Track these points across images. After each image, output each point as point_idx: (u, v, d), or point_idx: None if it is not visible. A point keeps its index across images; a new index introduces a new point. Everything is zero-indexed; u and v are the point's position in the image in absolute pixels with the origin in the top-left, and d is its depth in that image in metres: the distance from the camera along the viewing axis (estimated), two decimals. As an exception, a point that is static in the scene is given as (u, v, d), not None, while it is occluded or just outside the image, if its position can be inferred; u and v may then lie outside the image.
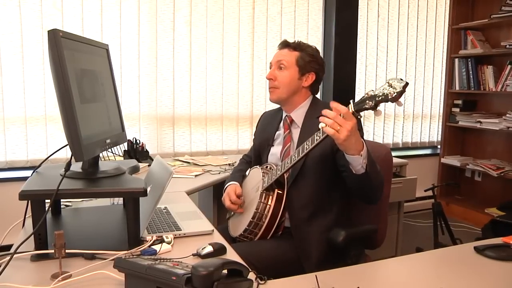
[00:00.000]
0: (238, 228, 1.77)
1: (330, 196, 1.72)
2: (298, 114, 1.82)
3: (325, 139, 1.45)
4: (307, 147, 1.53)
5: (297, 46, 1.81)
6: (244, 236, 1.73)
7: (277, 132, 1.90)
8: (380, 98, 1.34)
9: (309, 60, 1.79)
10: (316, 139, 1.48)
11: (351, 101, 1.40)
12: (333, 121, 1.35)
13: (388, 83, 1.34)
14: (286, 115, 1.87)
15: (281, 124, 1.90)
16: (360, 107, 1.38)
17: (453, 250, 1.45)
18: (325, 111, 1.40)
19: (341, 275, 1.20)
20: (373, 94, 1.35)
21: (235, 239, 1.79)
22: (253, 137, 2.10)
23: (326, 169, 1.68)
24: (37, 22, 2.95)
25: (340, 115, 1.36)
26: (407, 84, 1.32)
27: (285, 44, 1.84)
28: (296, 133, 1.81)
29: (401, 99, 1.34)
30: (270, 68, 1.86)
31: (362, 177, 1.48)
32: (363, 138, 1.53)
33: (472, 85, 4.14)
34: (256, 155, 1.98)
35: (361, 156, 1.44)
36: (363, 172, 1.47)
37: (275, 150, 1.87)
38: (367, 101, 1.36)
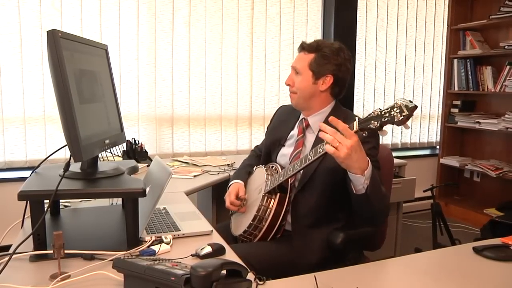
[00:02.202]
0: (239, 228, 1.76)
1: (335, 208, 1.69)
2: (316, 120, 1.74)
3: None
4: (310, 158, 1.49)
5: (313, 48, 1.71)
6: (244, 237, 1.73)
7: (291, 133, 1.84)
8: (386, 119, 1.28)
9: (324, 62, 1.68)
10: (319, 152, 1.44)
11: (356, 117, 1.37)
12: (333, 138, 1.32)
13: (397, 104, 1.27)
14: (303, 118, 1.80)
15: (296, 125, 1.84)
16: (364, 126, 1.33)
17: (452, 251, 1.45)
18: (323, 126, 1.36)
19: (340, 275, 1.20)
20: (379, 113, 1.30)
21: (235, 237, 1.79)
22: (267, 130, 2.02)
23: (336, 182, 1.60)
24: (36, 23, 2.95)
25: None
26: (415, 107, 1.26)
27: (301, 47, 1.75)
28: (310, 138, 1.76)
29: (408, 122, 1.29)
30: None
31: (362, 197, 1.45)
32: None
33: (471, 86, 4.15)
34: (266, 152, 1.93)
35: (363, 176, 1.40)
36: (363, 193, 1.44)
37: (286, 151, 1.82)
38: (373, 121, 1.31)
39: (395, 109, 1.27)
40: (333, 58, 1.68)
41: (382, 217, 1.60)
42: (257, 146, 2.14)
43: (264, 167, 1.81)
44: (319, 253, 1.64)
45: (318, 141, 1.66)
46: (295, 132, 1.82)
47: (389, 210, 1.58)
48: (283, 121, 1.90)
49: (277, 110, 2.02)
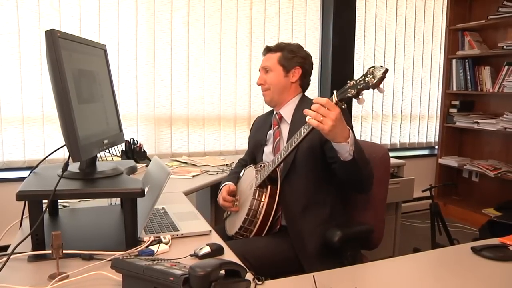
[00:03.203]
0: (234, 227, 1.79)
1: (323, 189, 1.75)
2: (287, 110, 1.88)
3: (312, 131, 1.49)
4: (296, 141, 1.57)
5: (278, 48, 1.89)
6: (240, 234, 1.75)
7: (269, 132, 1.95)
8: (361, 85, 1.38)
9: (291, 56, 1.86)
10: (304, 132, 1.52)
11: (334, 91, 1.45)
12: (316, 112, 1.39)
13: (369, 70, 1.38)
14: (276, 113, 1.93)
15: (271, 122, 1.95)
16: (343, 96, 1.41)
17: (451, 251, 1.45)
18: (306, 110, 1.45)
19: (339, 275, 1.20)
20: (354, 82, 1.40)
21: (231, 238, 1.80)
22: (248, 141, 2.15)
23: (317, 162, 1.72)
24: (35, 22, 2.95)
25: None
26: (387, 70, 1.35)
27: (267, 50, 1.92)
28: (285, 128, 1.86)
29: (383, 86, 1.38)
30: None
31: (351, 163, 1.51)
32: (351, 128, 1.56)
33: (470, 86, 4.15)
34: (251, 157, 2.03)
35: (348, 143, 1.47)
36: (351, 158, 1.50)
37: (268, 149, 1.92)
38: (349, 90, 1.40)
39: (368, 75, 1.38)
40: (298, 52, 1.88)
41: (370, 181, 1.67)
42: (241, 158, 2.22)
43: (253, 166, 1.89)
44: (315, 239, 1.67)
45: (293, 127, 1.80)
46: (272, 129, 1.93)
47: (373, 175, 1.67)
48: (260, 127, 2.04)
49: (254, 121, 2.17)
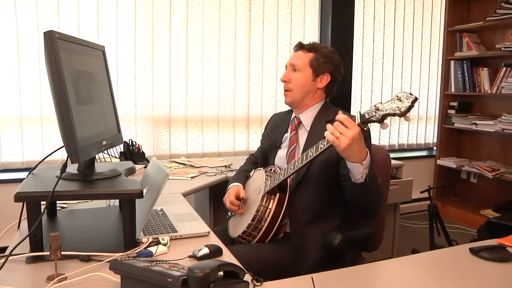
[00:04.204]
0: (238, 229, 1.76)
1: (331, 204, 1.70)
2: (307, 117, 1.80)
3: (329, 148, 1.44)
4: (311, 155, 1.51)
5: (311, 48, 1.78)
6: (243, 238, 1.72)
7: (285, 135, 1.87)
8: (387, 112, 1.32)
9: (324, 61, 1.76)
10: (321, 147, 1.47)
11: (358, 111, 1.40)
12: (334, 128, 1.35)
13: (397, 97, 1.31)
14: (295, 116, 1.84)
15: (289, 125, 1.87)
16: (366, 119, 1.36)
17: (449, 252, 1.46)
18: (328, 125, 1.40)
19: (337, 276, 1.20)
20: (381, 107, 1.34)
21: (233, 240, 1.78)
22: (261, 137, 2.07)
23: (329, 177, 1.66)
24: (33, 23, 2.94)
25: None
26: (416, 99, 1.29)
27: (299, 46, 1.81)
28: (302, 135, 1.79)
29: (409, 115, 1.32)
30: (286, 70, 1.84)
31: (361, 186, 1.47)
32: (369, 151, 1.50)
33: (468, 87, 4.16)
34: (263, 157, 1.95)
35: (363, 165, 1.43)
36: (362, 181, 1.46)
37: (282, 153, 1.84)
38: (374, 114, 1.34)
39: (395, 101, 1.30)
40: (332, 58, 1.78)
41: (377, 208, 1.63)
42: (252, 154, 2.17)
43: (263, 169, 1.83)
44: (317, 252, 1.65)
45: (311, 137, 1.72)
46: (288, 133, 1.85)
47: (382, 203, 1.63)
48: (277, 126, 1.94)
49: (271, 117, 2.07)
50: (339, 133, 1.34)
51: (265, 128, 2.07)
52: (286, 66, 1.84)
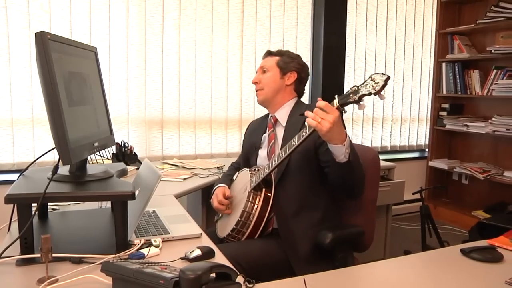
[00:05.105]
0: (226, 229, 1.78)
1: (315, 194, 1.77)
2: (282, 114, 1.90)
3: (310, 136, 1.51)
4: (294, 144, 1.58)
5: (278, 53, 1.96)
6: (232, 236, 1.75)
7: (264, 135, 1.96)
8: (363, 92, 1.42)
9: (289, 61, 1.92)
10: (303, 135, 1.54)
11: (336, 96, 1.48)
12: (315, 114, 1.43)
13: (371, 77, 1.42)
14: (271, 116, 1.95)
15: (266, 125, 1.96)
16: (344, 101, 1.45)
17: (440, 253, 1.46)
18: (307, 112, 1.49)
19: (330, 277, 1.21)
20: (356, 88, 1.44)
21: (222, 240, 1.80)
22: (242, 144, 2.16)
23: (310, 166, 1.75)
24: (24, 24, 2.92)
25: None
26: (388, 77, 1.40)
27: (268, 53, 2.00)
28: (280, 131, 1.88)
29: (384, 93, 1.44)
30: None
31: (345, 166, 1.53)
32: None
33: (459, 89, 4.19)
34: (245, 160, 2.04)
35: (344, 145, 1.50)
36: (346, 161, 1.52)
37: (263, 153, 1.92)
38: (351, 95, 1.44)
39: (370, 81, 1.42)
40: (297, 59, 1.95)
41: (362, 186, 1.69)
42: (234, 161, 2.23)
43: (248, 169, 1.89)
44: (307, 243, 1.68)
45: (288, 130, 1.82)
46: (267, 133, 1.94)
47: (364, 182, 1.69)
48: (255, 129, 2.06)
49: (249, 125, 2.19)
50: (320, 118, 1.42)
51: (244, 135, 2.17)
52: (256, 71, 2.01)
